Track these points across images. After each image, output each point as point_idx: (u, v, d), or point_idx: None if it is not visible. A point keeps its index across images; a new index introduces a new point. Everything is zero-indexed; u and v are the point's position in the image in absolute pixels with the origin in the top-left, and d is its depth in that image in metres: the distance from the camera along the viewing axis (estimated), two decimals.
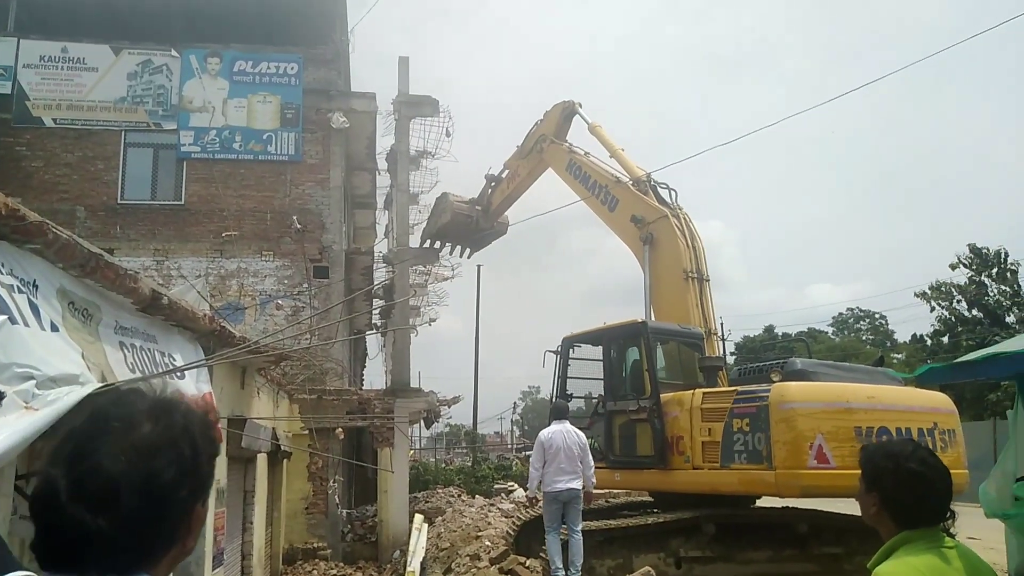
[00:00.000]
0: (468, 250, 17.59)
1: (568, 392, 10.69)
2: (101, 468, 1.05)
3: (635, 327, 9.74)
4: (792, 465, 7.56)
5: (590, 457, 8.48)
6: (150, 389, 1.19)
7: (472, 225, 16.17)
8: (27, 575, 2.12)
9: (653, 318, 10.47)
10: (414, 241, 17.76)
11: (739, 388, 8.34)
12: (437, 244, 17.36)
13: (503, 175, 15.40)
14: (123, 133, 16.64)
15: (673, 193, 11.50)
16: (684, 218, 11.01)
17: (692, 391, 8.86)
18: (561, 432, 8.40)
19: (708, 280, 10.65)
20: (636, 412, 9.40)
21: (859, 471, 2.18)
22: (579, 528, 8.20)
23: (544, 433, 8.52)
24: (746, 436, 7.91)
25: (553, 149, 13.48)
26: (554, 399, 10.35)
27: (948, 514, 2.09)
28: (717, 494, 8.61)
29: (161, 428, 1.11)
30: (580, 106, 13.64)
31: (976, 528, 3.69)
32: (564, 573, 8.07)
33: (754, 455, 7.82)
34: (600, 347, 10.53)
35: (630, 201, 11.43)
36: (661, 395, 9.14)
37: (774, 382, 8.03)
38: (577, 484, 8.25)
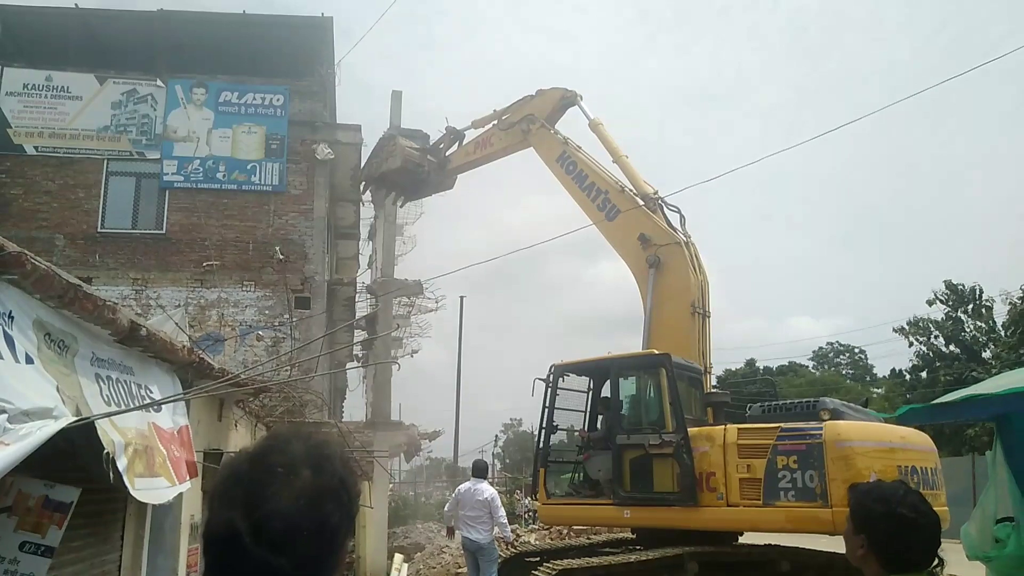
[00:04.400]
0: (403, 198, 16.39)
1: (554, 423, 10.48)
2: (280, 513, 1.13)
3: (656, 358, 9.27)
4: None
5: (501, 511, 10.54)
6: (304, 434, 1.26)
7: (421, 176, 14.80)
8: None
9: (648, 346, 10.12)
10: (399, 272, 17.72)
11: (783, 425, 8.27)
12: (372, 189, 16.54)
13: (465, 131, 14.13)
14: (105, 162, 16.56)
15: (683, 218, 10.52)
16: (693, 248, 10.29)
17: (723, 427, 8.70)
18: (471, 489, 10.53)
19: (709, 316, 10.22)
20: (658, 447, 8.90)
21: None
22: None
23: (460, 487, 10.92)
24: (793, 473, 7.89)
25: (542, 134, 12.27)
26: (541, 428, 10.18)
27: (936, 561, 2.08)
28: (757, 531, 8.63)
29: (324, 476, 1.20)
30: (581, 99, 12.26)
31: (956, 565, 3.69)
32: None
33: (805, 493, 7.77)
34: (595, 378, 10.18)
35: (637, 217, 10.51)
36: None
37: (824, 420, 8.05)
38: (478, 536, 10.14)
